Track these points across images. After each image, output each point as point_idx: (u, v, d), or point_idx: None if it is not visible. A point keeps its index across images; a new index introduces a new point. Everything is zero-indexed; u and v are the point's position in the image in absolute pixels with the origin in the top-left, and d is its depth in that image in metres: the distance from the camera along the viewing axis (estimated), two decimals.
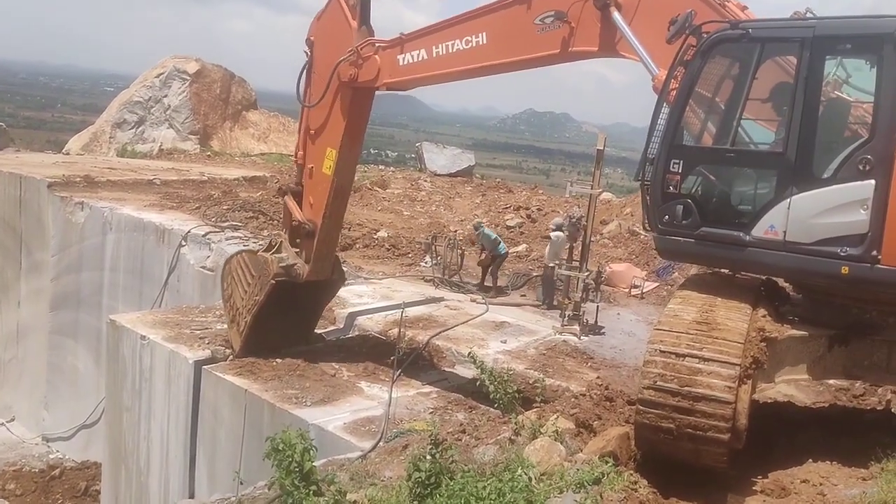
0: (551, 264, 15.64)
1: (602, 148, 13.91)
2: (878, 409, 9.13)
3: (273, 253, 11.80)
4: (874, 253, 6.31)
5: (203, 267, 19.07)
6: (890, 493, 5.71)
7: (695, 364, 6.19)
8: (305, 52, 11.48)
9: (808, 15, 7.34)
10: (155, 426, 12.79)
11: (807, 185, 6.64)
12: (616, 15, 8.25)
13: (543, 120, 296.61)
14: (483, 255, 16.74)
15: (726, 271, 7.83)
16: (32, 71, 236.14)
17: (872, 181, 6.31)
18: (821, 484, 6.51)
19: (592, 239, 15.08)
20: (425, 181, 30.37)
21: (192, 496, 11.64)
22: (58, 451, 20.33)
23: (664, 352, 6.35)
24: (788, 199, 6.70)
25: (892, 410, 8.93)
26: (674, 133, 7.25)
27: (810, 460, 6.99)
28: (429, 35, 10.19)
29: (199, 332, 13.09)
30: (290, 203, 11.77)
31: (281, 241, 11.96)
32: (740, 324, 6.55)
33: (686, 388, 6.15)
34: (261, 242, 19.17)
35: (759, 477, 6.74)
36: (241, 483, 7.88)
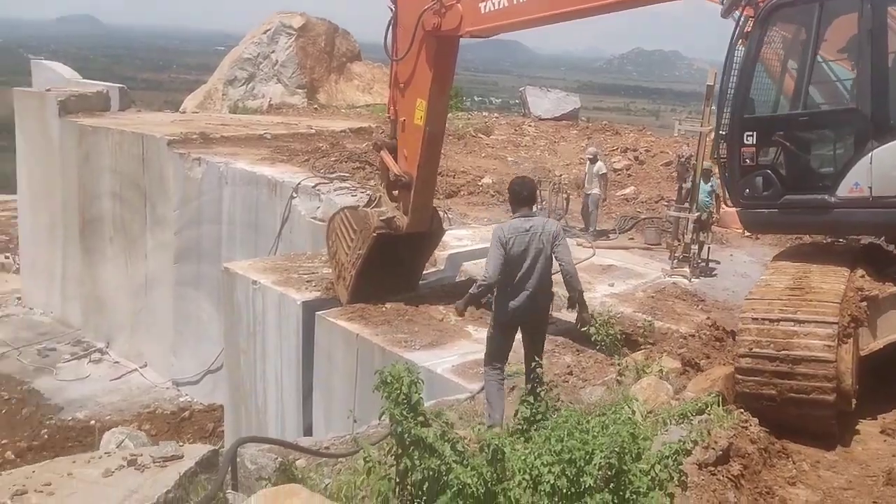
0: (589, 192, 15.98)
1: (712, 83, 13.42)
2: None
3: (373, 207, 12.07)
4: None
5: (314, 217, 19.58)
6: None
7: (790, 327, 6.10)
8: (390, 7, 11.60)
9: None
10: (269, 367, 13.43)
11: (886, 137, 6.51)
12: None
13: (652, 59, 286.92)
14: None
15: (823, 239, 7.60)
16: (149, 34, 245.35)
17: None
18: None
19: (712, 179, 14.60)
20: (529, 126, 30.04)
21: (307, 433, 12.18)
22: (187, 395, 21.55)
23: (756, 318, 6.28)
24: (870, 154, 6.57)
25: None
26: (743, 106, 7.16)
27: None
28: None
29: (306, 276, 13.63)
30: (386, 157, 12.00)
31: (380, 196, 12.25)
32: (836, 285, 6.38)
33: (783, 352, 6.05)
34: (367, 192, 19.55)
35: (882, 416, 6.52)
36: (356, 421, 8.20)
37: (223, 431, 17.87)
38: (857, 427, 6.46)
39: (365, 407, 10.80)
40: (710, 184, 13.91)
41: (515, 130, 29.00)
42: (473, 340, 11.21)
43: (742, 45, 7.10)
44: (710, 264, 13.79)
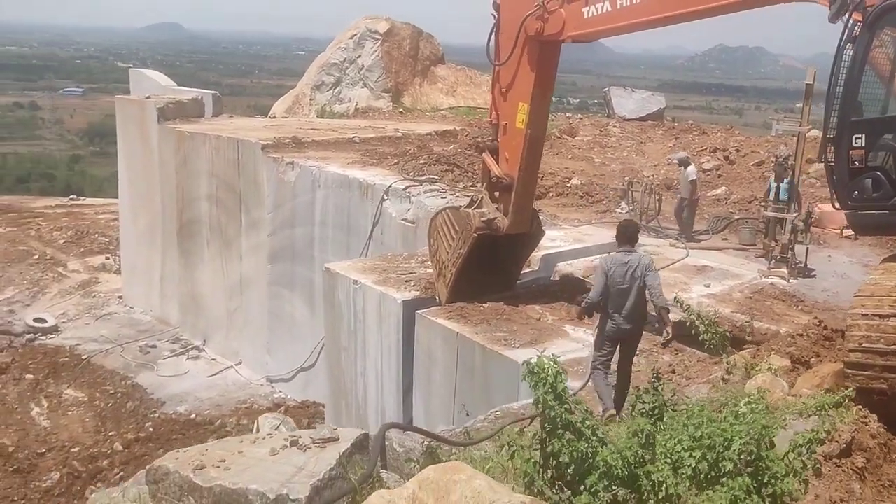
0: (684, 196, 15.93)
1: (812, 83, 13.26)
2: None
3: (475, 208, 12.37)
4: None
5: (404, 219, 19.99)
6: None
7: None
8: (493, 14, 11.90)
9: None
10: (370, 363, 13.86)
11: None
12: None
13: (735, 56, 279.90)
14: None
15: None
16: (232, 40, 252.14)
17: None
18: None
19: (800, 178, 14.46)
20: (614, 127, 29.92)
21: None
22: (280, 392, 22.22)
23: (866, 314, 6.31)
24: None
25: None
26: (852, 109, 7.23)
27: None
28: None
29: (404, 276, 14.01)
30: (488, 159, 12.29)
31: (482, 197, 12.52)
32: None
33: (893, 347, 6.05)
34: (457, 195, 19.86)
35: None
36: (467, 415, 8.48)
37: (319, 426, 18.46)
38: None
39: (465, 402, 11.12)
40: (785, 181, 13.92)
41: (601, 131, 28.93)
42: (571, 339, 11.39)
43: (850, 49, 7.13)
44: (809, 265, 13.62)
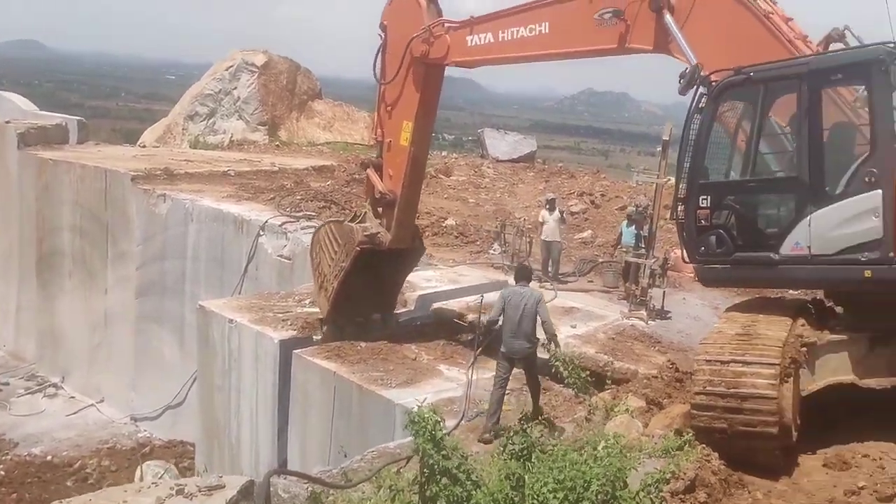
0: (549, 239, 16.65)
1: (668, 138, 14.31)
2: None
3: (358, 223, 12.67)
4: (891, 254, 6.93)
5: (280, 255, 19.96)
6: None
7: (738, 368, 6.83)
8: (380, 34, 12.40)
9: (846, 33, 7.93)
10: (244, 402, 13.77)
11: (823, 202, 7.36)
12: (668, 18, 8.80)
13: (602, 100, 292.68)
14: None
15: (775, 294, 8.37)
16: (96, 61, 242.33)
17: (879, 191, 6.96)
18: (881, 458, 6.97)
19: (657, 225, 15.44)
20: (488, 167, 30.89)
21: (282, 468, 12.52)
22: (146, 430, 21.50)
23: (710, 360, 7.01)
24: (809, 217, 7.41)
25: None
26: (699, 173, 8.03)
27: (872, 438, 7.43)
28: (496, 20, 11.06)
29: (280, 315, 14.01)
30: (372, 175, 12.66)
31: (365, 212, 12.84)
32: (779, 333, 7.17)
33: (733, 390, 6.75)
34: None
35: (822, 451, 7.24)
36: (345, 455, 8.65)
37: (186, 468, 17.96)
38: (804, 461, 7.17)
39: (341, 441, 11.28)
40: (632, 227, 15.20)
41: (475, 171, 29.80)
42: (445, 378, 11.77)
43: (697, 118, 7.92)
44: (665, 308, 14.55)
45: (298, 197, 22.53)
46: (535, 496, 4.42)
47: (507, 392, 9.84)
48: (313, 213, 21.10)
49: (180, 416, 20.49)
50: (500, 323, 9.86)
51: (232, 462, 13.96)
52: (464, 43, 11.33)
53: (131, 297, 22.16)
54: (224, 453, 14.26)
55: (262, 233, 20.29)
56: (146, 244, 21.83)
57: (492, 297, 14.54)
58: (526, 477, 4.46)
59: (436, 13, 11.86)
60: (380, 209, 12.63)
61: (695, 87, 7.93)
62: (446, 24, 11.51)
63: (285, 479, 5.68)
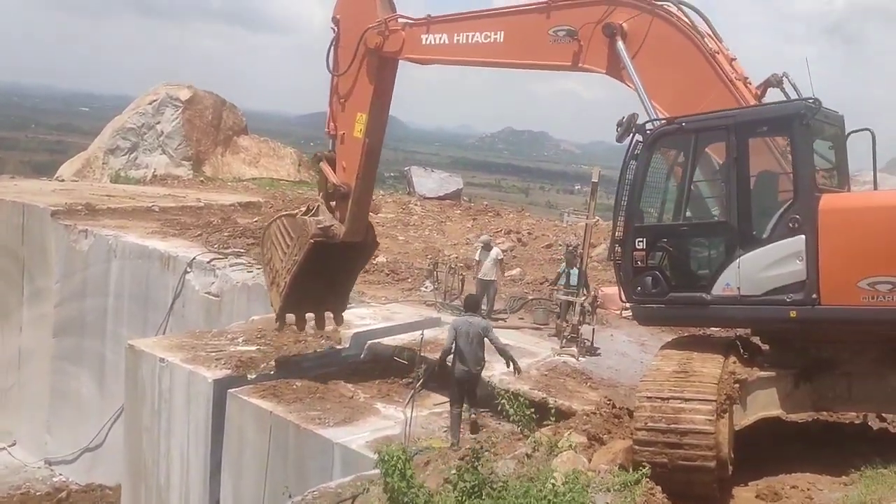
0: (486, 279, 16.77)
1: (597, 181, 14.78)
2: (856, 422, 9.98)
3: (311, 216, 12.58)
4: (814, 296, 7.36)
5: (208, 293, 19.68)
6: (868, 495, 6.55)
7: (678, 404, 7.13)
8: (332, 28, 12.48)
9: (784, 80, 8.50)
10: (175, 444, 13.42)
11: (751, 246, 7.78)
12: (620, 45, 9.14)
13: (522, 138, 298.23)
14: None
15: (703, 332, 8.77)
16: (6, 91, 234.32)
17: (802, 236, 7.40)
18: (808, 489, 7.35)
19: (587, 263, 15.87)
20: (415, 205, 31.16)
21: None
22: (61, 475, 20.72)
23: (650, 397, 7.30)
24: (738, 260, 7.82)
25: (868, 423, 9.80)
26: (635, 216, 8.39)
27: (799, 469, 7.83)
28: (453, 22, 11.28)
29: (213, 353, 13.76)
30: (326, 168, 12.61)
31: (318, 205, 12.74)
32: (714, 370, 7.53)
33: (673, 426, 7.04)
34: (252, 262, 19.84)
35: (754, 483, 7.58)
36: (290, 496, 8.58)
37: None
38: (738, 493, 7.49)
39: (278, 481, 11.13)
40: (575, 268, 15.48)
41: (403, 209, 30.00)
42: (383, 417, 11.78)
43: (633, 164, 8.30)
44: (595, 344, 14.90)
45: (226, 233, 22.31)
46: None
47: (461, 408, 10.82)
48: (242, 250, 20.90)
49: (99, 459, 19.81)
50: (452, 351, 10.61)
51: None
52: (419, 41, 11.46)
53: (47, 335, 21.42)
54: (152, 497, 13.84)
55: (189, 270, 19.98)
56: (65, 281, 21.20)
57: (430, 333, 14.74)
58: None
59: (389, 7, 11.96)
60: (333, 203, 12.53)
61: (631, 134, 8.30)
62: (402, 20, 11.64)
63: None
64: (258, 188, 33.04)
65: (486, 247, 17.08)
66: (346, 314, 14.55)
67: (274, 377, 12.75)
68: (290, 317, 13.24)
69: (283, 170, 37.02)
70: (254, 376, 12.74)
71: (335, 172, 12.51)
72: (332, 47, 12.46)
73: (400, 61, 12.01)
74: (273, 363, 13.34)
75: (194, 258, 19.68)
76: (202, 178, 33.85)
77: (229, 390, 12.20)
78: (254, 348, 14.09)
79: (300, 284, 12.48)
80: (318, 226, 12.30)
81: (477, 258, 17.40)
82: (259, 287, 18.77)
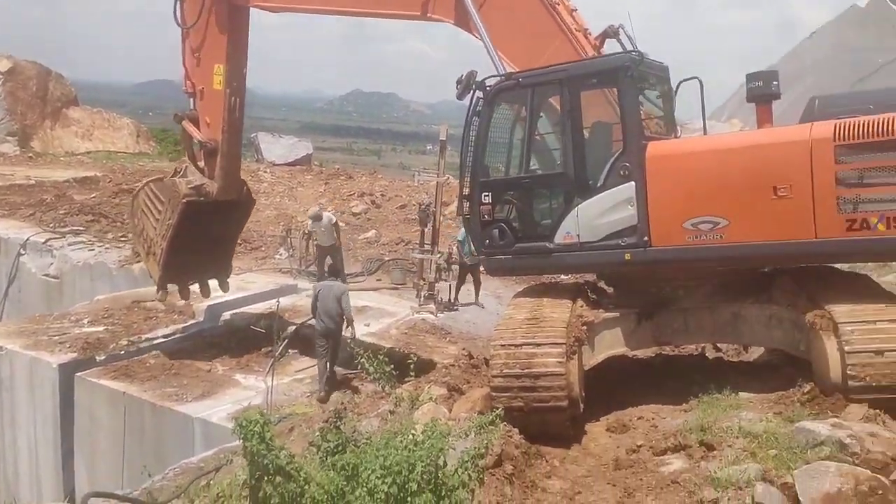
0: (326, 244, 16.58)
1: (445, 139, 14.98)
2: (695, 354, 10.74)
3: (180, 177, 12.08)
4: (645, 238, 7.80)
5: (46, 275, 18.64)
6: (705, 418, 7.07)
7: (530, 350, 7.43)
8: None
9: (620, 31, 8.88)
10: (21, 433, 12.75)
11: (587, 195, 8.11)
12: None
13: (371, 100, 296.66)
14: None
15: (554, 279, 9.11)
16: None
17: (632, 182, 7.81)
18: (653, 418, 7.85)
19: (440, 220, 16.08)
20: (265, 172, 30.44)
21: (69, 497, 11.74)
22: None
23: (504, 345, 7.55)
24: (576, 209, 8.16)
25: (705, 354, 10.56)
26: (480, 171, 8.57)
27: (644, 402, 8.35)
28: None
29: (56, 338, 13.06)
30: (189, 126, 12.19)
31: (185, 166, 12.28)
32: (563, 315, 7.87)
33: (526, 370, 7.35)
34: (107, 247, 18.96)
35: (605, 418, 8.03)
36: (150, 476, 8.34)
37: None
38: (590, 428, 7.91)
39: (136, 462, 10.76)
40: (428, 226, 15.60)
41: (252, 177, 29.09)
42: (243, 388, 11.61)
43: (476, 121, 8.47)
44: (452, 300, 15.20)
45: (62, 211, 21.13)
46: (365, 484, 4.62)
47: (326, 360, 11.52)
48: (81, 228, 19.89)
49: None
50: (317, 311, 11.50)
51: (10, 497, 12.84)
52: None
53: None
54: (0, 488, 13.11)
55: (23, 252, 18.88)
56: None
57: (287, 301, 14.57)
58: (361, 466, 4.63)
59: None
60: (201, 163, 12.12)
61: (471, 91, 8.43)
62: None
63: (105, 502, 5.43)
64: (94, 162, 31.31)
65: (317, 218, 16.55)
66: (198, 286, 14.14)
67: (125, 357, 12.28)
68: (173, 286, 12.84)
69: (121, 142, 35.18)
70: (103, 358, 12.21)
71: (199, 130, 12.06)
72: (178, 1, 11.99)
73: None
74: (123, 343, 12.81)
75: (28, 239, 18.60)
76: (31, 154, 31.69)
77: (77, 374, 11.66)
78: (101, 329, 13.48)
79: (178, 250, 12.04)
80: (189, 185, 11.87)
81: (310, 228, 17.07)
82: (102, 265, 17.94)
